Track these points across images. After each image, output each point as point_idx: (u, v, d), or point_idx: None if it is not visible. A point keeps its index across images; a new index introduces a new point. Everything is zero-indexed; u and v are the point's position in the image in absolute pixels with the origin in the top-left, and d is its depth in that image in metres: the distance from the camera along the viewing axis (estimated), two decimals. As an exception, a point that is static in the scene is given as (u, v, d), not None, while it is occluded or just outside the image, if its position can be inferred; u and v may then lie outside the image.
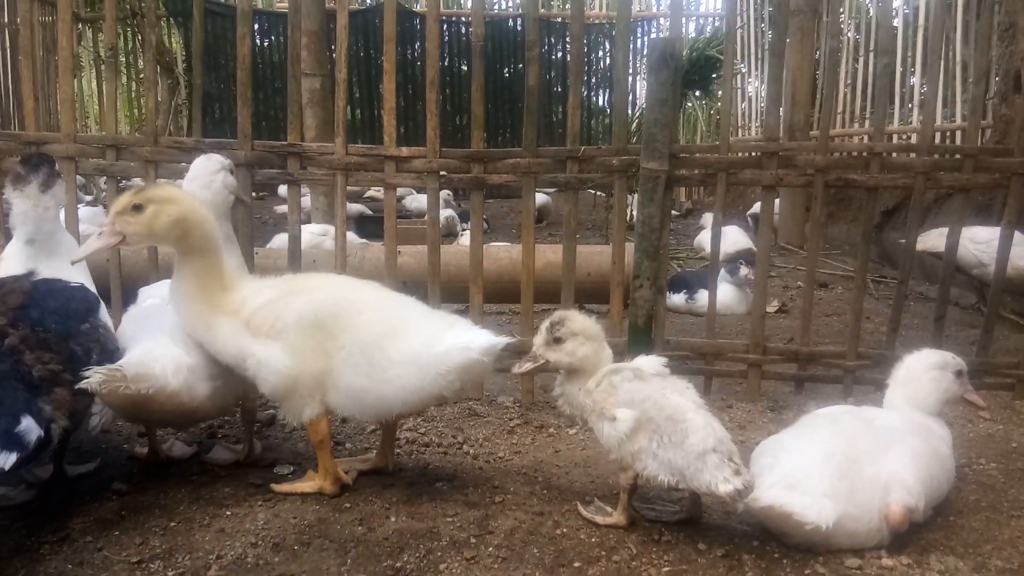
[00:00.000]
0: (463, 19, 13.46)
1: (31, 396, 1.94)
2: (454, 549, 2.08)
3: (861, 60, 9.90)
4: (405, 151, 3.13)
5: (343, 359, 2.18)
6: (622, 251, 3.23)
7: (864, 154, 3.05)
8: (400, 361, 2.16)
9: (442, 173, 3.15)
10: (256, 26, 13.09)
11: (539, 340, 2.25)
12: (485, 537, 2.15)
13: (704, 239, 8.67)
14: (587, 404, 2.20)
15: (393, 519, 2.24)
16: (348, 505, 2.32)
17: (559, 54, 13.53)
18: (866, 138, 9.33)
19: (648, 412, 2.08)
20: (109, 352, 2.24)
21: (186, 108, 12.39)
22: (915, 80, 9.66)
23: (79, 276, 2.44)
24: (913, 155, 3.07)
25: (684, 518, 2.24)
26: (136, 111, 14.06)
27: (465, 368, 2.15)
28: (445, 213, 10.29)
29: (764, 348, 3.29)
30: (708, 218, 9.07)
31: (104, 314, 2.43)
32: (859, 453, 2.14)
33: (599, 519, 2.23)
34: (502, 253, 4.97)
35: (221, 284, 2.29)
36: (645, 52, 13.28)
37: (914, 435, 2.28)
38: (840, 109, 10.92)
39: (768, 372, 3.33)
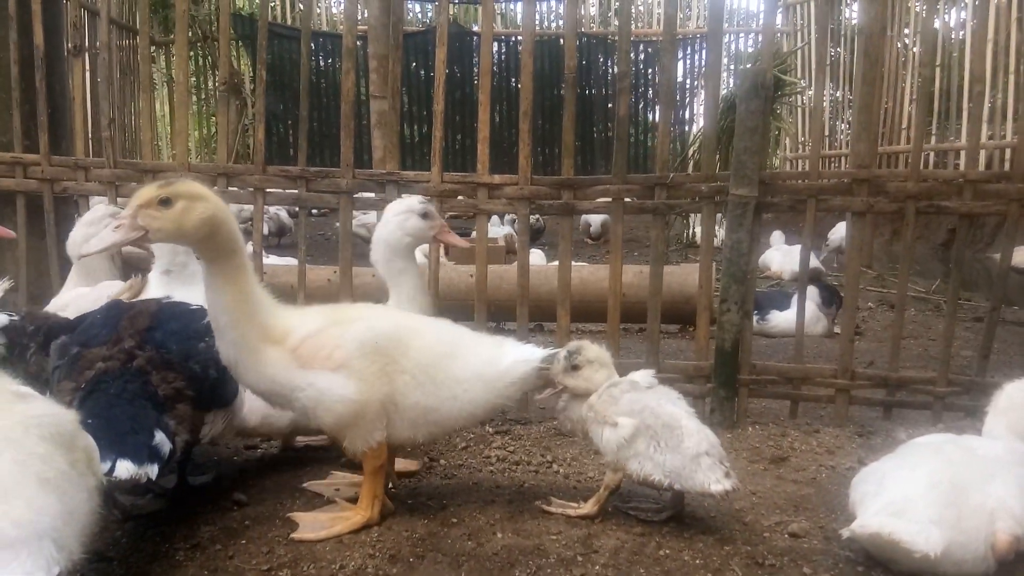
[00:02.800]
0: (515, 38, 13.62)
1: (159, 413, 2.09)
2: (562, 566, 2.15)
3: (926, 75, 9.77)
4: (497, 179, 3.25)
5: (406, 382, 2.26)
6: (709, 275, 3.29)
7: (958, 180, 3.05)
8: (465, 379, 2.30)
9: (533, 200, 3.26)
10: (322, 46, 13.47)
11: (558, 368, 2.43)
12: (591, 556, 2.22)
13: (770, 257, 8.62)
14: (588, 415, 2.40)
15: (500, 535, 2.33)
16: (455, 520, 2.42)
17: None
18: (932, 155, 9.21)
19: (646, 420, 2.31)
20: (224, 369, 2.36)
21: (252, 127, 12.81)
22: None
23: (201, 302, 2.59)
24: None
25: (670, 515, 2.42)
26: (203, 130, 14.58)
27: (526, 379, 2.36)
28: (503, 231, 10.43)
29: (853, 373, 3.30)
30: (776, 236, 8.99)
31: None
32: (964, 481, 2.13)
33: (570, 511, 2.43)
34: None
35: (260, 297, 2.20)
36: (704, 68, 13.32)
37: (1019, 464, 2.28)
38: (904, 125, 10.79)
39: (856, 397, 3.33)
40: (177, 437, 2.07)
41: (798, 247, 7.43)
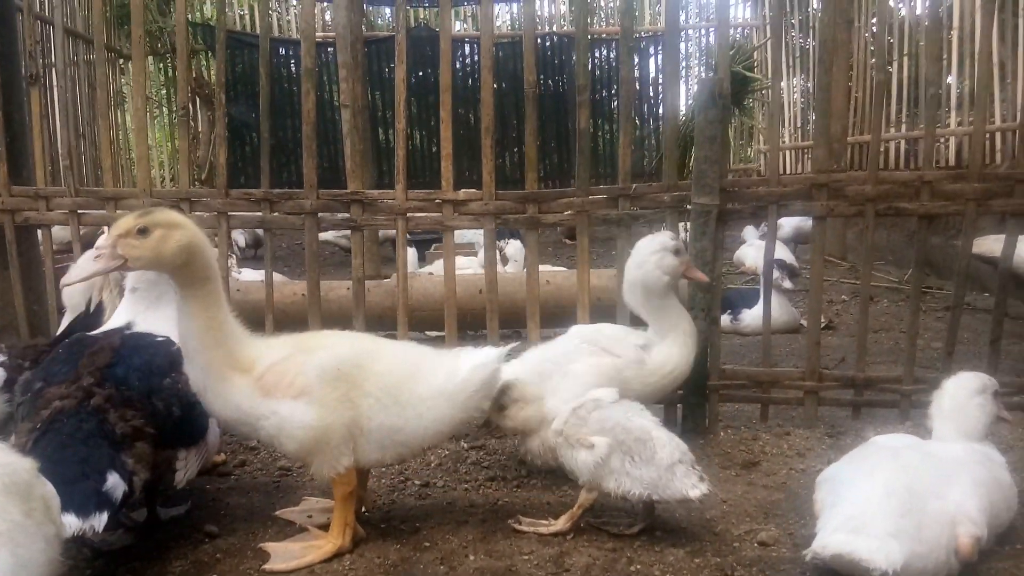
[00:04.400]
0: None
1: (115, 452, 2.07)
2: (535, 588, 2.17)
3: (895, 64, 9.85)
4: (462, 194, 3.26)
5: (371, 405, 2.27)
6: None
7: (915, 182, 3.09)
8: (429, 396, 2.31)
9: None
10: (293, 54, 13.39)
11: (493, 409, 2.55)
12: (562, 574, 2.23)
13: (744, 253, 8.65)
14: (558, 442, 2.44)
15: (472, 558, 2.34)
16: (427, 544, 2.42)
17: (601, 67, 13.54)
18: (903, 143, 9.30)
19: (618, 436, 2.33)
20: (189, 405, 2.35)
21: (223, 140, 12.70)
22: (952, 79, 9.57)
23: (168, 329, 2.57)
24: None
25: (641, 528, 2.44)
26: (174, 144, 14.45)
27: (487, 383, 2.37)
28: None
29: (820, 375, 3.34)
30: (749, 231, 9.03)
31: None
32: (922, 488, 2.14)
33: (541, 530, 2.45)
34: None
35: (229, 325, 2.25)
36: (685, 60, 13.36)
37: (976, 463, 2.31)
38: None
39: (825, 399, 3.37)
40: (135, 476, 2.06)
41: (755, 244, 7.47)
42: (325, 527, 2.42)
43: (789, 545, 2.39)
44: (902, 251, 8.54)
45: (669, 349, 2.91)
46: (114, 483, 1.96)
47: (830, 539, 2.03)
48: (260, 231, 10.06)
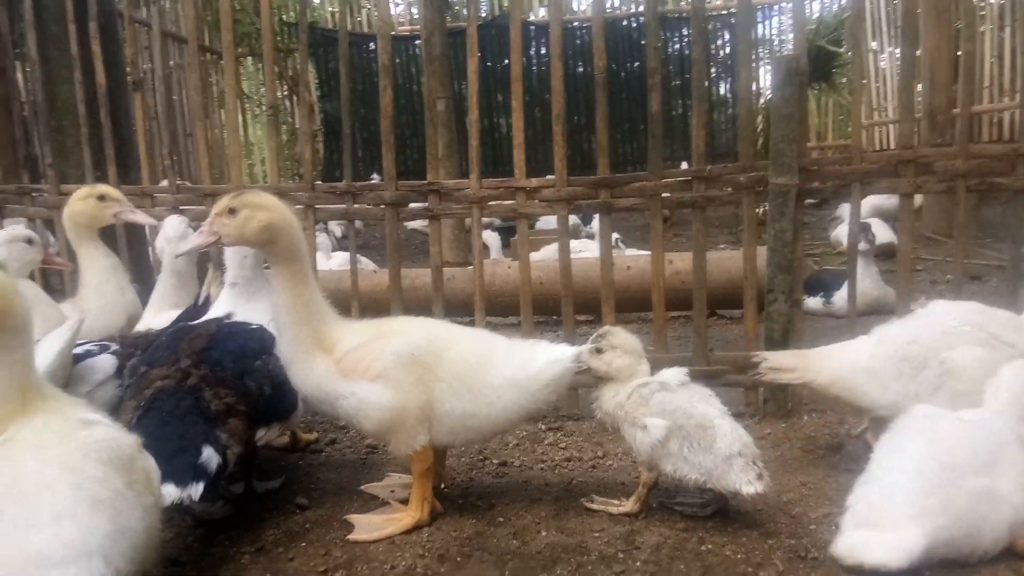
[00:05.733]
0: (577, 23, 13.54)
1: (209, 427, 2.24)
2: (603, 563, 2.21)
3: (1008, 29, 9.25)
4: (535, 182, 3.31)
5: (443, 390, 2.36)
6: (754, 265, 3.27)
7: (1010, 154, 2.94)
8: (500, 385, 2.38)
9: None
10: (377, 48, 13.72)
11: (586, 348, 2.52)
12: (632, 552, 2.27)
13: (843, 233, 8.32)
14: (619, 414, 2.45)
15: (544, 533, 2.41)
16: (501, 520, 2.51)
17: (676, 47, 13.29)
18: (1016, 113, 8.73)
19: (678, 421, 2.33)
20: (279, 384, 2.51)
21: (321, 133, 13.20)
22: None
23: (264, 319, 2.73)
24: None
25: (714, 510, 2.44)
26: (279, 140, 15.03)
27: (559, 379, 2.42)
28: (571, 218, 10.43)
29: (908, 357, 3.22)
30: (846, 208, 8.68)
31: None
32: (958, 462, 2.05)
33: (612, 509, 2.49)
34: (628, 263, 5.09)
35: (317, 304, 2.38)
36: (766, 39, 12.97)
37: (1013, 441, 2.16)
38: (987, 83, 10.24)
39: (914, 381, 3.25)
40: (229, 450, 2.22)
41: (875, 220, 7.15)
42: (406, 501, 2.53)
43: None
44: (1011, 227, 8.02)
45: None
46: (209, 456, 2.13)
47: (843, 543, 2.00)
48: (358, 222, 10.58)
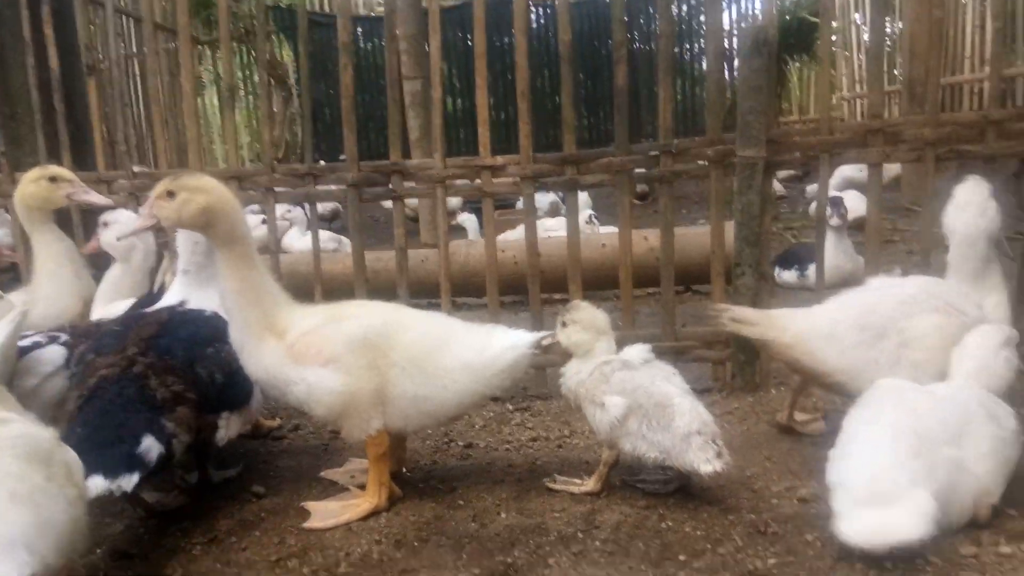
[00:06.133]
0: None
1: (153, 416, 2.17)
2: (562, 544, 2.18)
3: (988, -1, 9.17)
4: (500, 160, 3.25)
5: (397, 373, 2.32)
6: (721, 240, 3.22)
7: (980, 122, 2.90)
8: (454, 368, 2.34)
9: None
10: (359, 30, 13.55)
11: (558, 321, 2.51)
12: (592, 532, 2.24)
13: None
14: (580, 392, 2.42)
15: (504, 515, 2.37)
16: (462, 503, 2.47)
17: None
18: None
19: (638, 399, 2.30)
20: (232, 373, 2.45)
21: (300, 117, 13.04)
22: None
23: (219, 307, 2.66)
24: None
25: (677, 487, 2.42)
26: (255, 124, 14.87)
27: (515, 366, 2.37)
28: (548, 199, 10.36)
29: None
30: (813, 188, 8.62)
31: None
32: (931, 432, 2.03)
33: (573, 489, 2.45)
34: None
35: (267, 288, 2.33)
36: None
37: (984, 413, 2.14)
38: (968, 53, 10.16)
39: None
40: (175, 439, 2.17)
41: (852, 193, 7.08)
42: (366, 487, 2.49)
43: (828, 501, 2.30)
44: (997, 196, 8.00)
45: (1001, 311, 2.60)
46: (148, 446, 2.07)
47: (855, 527, 1.92)
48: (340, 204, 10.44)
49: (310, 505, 2.46)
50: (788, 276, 5.47)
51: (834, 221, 5.09)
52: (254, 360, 2.32)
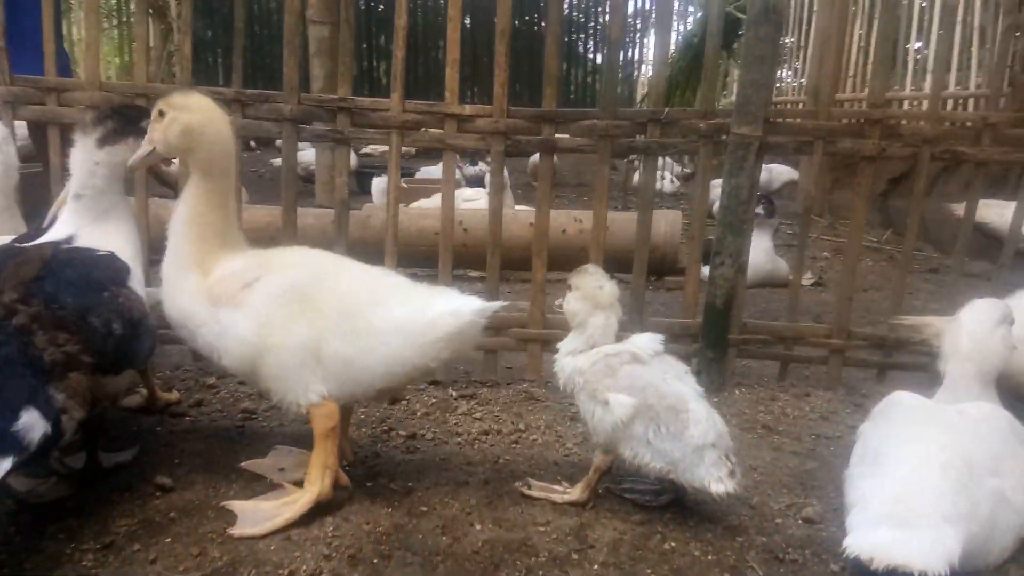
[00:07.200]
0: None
1: (39, 384, 1.67)
2: (556, 566, 1.83)
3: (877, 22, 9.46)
4: (469, 109, 2.81)
5: (326, 327, 1.95)
6: (703, 223, 2.96)
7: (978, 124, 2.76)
8: (385, 330, 1.95)
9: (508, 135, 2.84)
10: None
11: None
12: (587, 552, 1.90)
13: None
14: (578, 381, 2.07)
15: (478, 527, 1.99)
16: (424, 508, 2.07)
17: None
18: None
19: (648, 399, 1.97)
20: (132, 323, 1.94)
21: (179, 54, 11.88)
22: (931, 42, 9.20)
23: (117, 245, 2.14)
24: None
25: (670, 499, 2.12)
26: (125, 56, 13.52)
27: (454, 336, 1.97)
28: (469, 171, 9.91)
29: (849, 333, 3.04)
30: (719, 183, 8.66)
31: (135, 281, 2.12)
32: (978, 460, 1.82)
33: (555, 497, 2.12)
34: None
35: (220, 228, 2.06)
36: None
37: (1012, 436, 1.98)
38: (852, 73, 10.50)
39: (851, 359, 3.08)
40: (66, 415, 1.65)
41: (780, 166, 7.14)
42: (302, 483, 2.04)
43: (837, 523, 2.08)
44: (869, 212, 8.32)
45: None
46: (29, 422, 1.56)
47: (867, 541, 1.67)
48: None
49: (235, 505, 1.98)
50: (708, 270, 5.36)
51: (759, 210, 5.04)
52: (172, 295, 2.06)
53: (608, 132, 2.82)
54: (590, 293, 2.11)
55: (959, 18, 8.28)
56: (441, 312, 1.97)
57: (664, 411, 1.96)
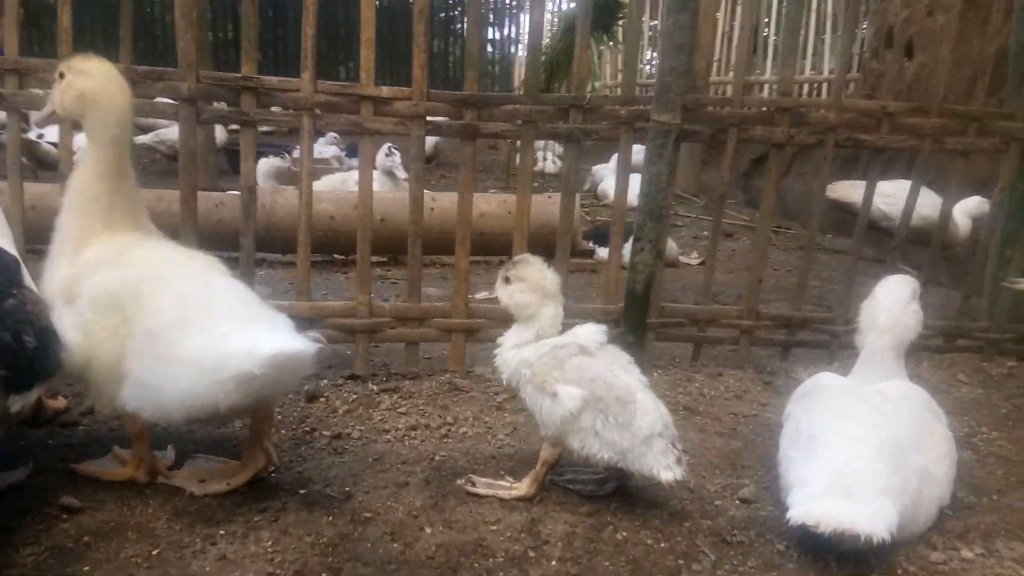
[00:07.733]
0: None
1: None
2: (515, 566, 1.78)
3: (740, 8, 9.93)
4: (386, 91, 2.67)
5: (132, 347, 1.80)
6: (622, 211, 2.97)
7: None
8: (181, 359, 1.73)
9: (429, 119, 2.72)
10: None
11: (500, 275, 2.14)
12: (542, 548, 1.87)
13: (608, 187, 8.53)
14: (524, 374, 2.04)
15: (429, 530, 1.91)
16: (368, 515, 1.96)
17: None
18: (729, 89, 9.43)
19: (597, 391, 1.96)
20: (42, 331, 1.72)
21: (57, 26, 10.79)
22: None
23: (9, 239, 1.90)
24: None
25: (615, 488, 2.13)
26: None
27: (241, 381, 1.68)
28: (331, 151, 9.60)
29: (757, 314, 3.16)
30: (601, 168, 8.83)
31: (28, 278, 1.90)
32: (904, 439, 1.95)
33: (502, 493, 2.07)
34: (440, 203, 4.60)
35: (112, 203, 1.97)
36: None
37: (930, 414, 2.13)
38: (716, 57, 10.95)
39: (759, 339, 3.20)
40: None
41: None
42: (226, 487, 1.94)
43: (773, 503, 2.15)
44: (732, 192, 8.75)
45: None
46: None
47: (813, 509, 1.74)
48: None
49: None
50: (604, 252, 5.45)
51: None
52: (47, 278, 1.96)
53: (532, 117, 2.76)
54: (537, 284, 2.06)
55: (812, 5, 8.90)
56: (233, 352, 1.69)
57: (613, 402, 1.95)
